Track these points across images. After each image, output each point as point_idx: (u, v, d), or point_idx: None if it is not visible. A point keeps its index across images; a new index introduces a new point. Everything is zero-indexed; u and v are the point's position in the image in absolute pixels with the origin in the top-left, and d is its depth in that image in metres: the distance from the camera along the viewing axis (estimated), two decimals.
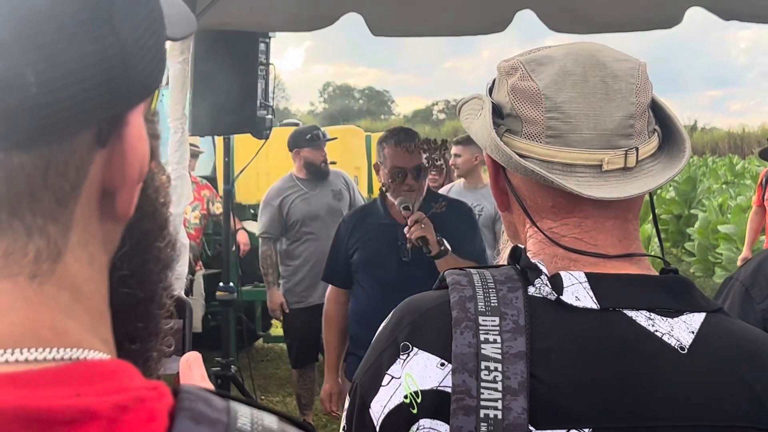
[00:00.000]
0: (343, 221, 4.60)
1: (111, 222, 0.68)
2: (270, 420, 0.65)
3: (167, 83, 4.91)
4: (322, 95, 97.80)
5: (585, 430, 1.14)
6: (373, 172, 9.47)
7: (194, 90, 5.08)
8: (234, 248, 7.87)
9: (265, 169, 8.02)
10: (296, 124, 7.63)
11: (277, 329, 8.60)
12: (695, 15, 5.01)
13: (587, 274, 1.23)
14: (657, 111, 1.33)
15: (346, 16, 4.95)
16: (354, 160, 8.66)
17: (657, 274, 1.30)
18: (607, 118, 1.24)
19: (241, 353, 7.68)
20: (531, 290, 1.23)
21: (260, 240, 6.39)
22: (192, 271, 7.42)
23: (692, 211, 16.98)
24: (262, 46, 5.29)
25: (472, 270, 1.28)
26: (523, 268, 1.26)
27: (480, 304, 1.21)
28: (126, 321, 0.71)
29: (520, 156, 1.26)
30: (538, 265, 1.24)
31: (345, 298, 4.47)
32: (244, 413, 0.63)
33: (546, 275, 1.23)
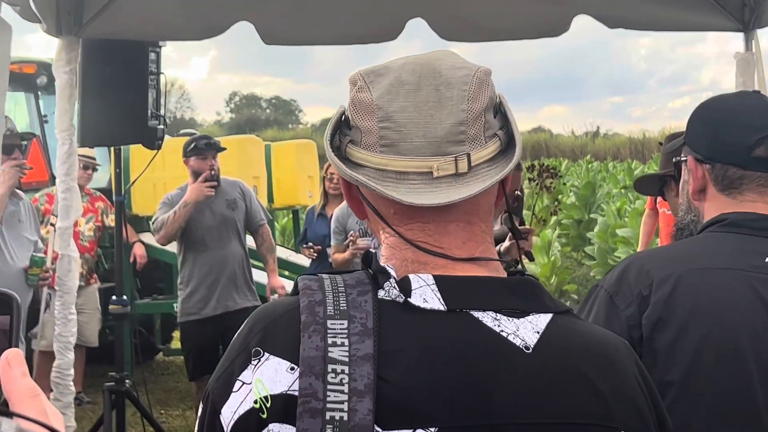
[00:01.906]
0: None
1: None
2: (7, 426, 0.63)
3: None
4: (229, 105, 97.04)
5: (431, 429, 1.15)
6: (274, 181, 9.57)
7: (82, 100, 4.99)
8: (132, 260, 7.77)
9: (162, 179, 7.92)
10: (193, 134, 7.52)
11: (177, 342, 8.49)
12: (583, 23, 5.12)
13: (435, 277, 1.25)
14: (503, 117, 1.34)
15: (237, 25, 4.93)
16: (252, 170, 8.61)
17: (505, 276, 1.32)
18: (438, 126, 1.26)
19: (140, 367, 7.57)
20: (381, 293, 1.24)
21: (153, 228, 6.26)
22: (85, 284, 7.28)
23: (592, 215, 17.32)
24: (152, 56, 5.23)
25: (324, 275, 1.29)
26: (374, 272, 1.27)
27: (329, 308, 1.21)
28: None
29: (360, 165, 1.29)
30: (387, 268, 1.26)
31: None
32: None
33: (395, 278, 1.24)
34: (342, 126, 1.34)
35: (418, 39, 5.17)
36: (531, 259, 4.95)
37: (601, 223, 15.14)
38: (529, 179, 4.78)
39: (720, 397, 1.81)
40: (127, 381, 5.40)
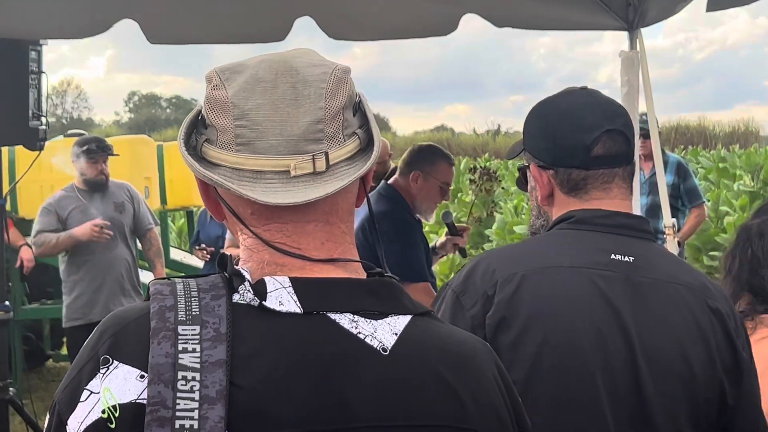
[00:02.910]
0: (407, 219, 4.54)
1: None
2: None
3: None
4: (128, 104, 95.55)
5: None
6: (167, 181, 9.43)
7: None
8: (18, 264, 7.56)
9: (49, 181, 7.73)
10: (82, 134, 7.36)
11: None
12: (471, 22, 5.14)
13: (291, 279, 1.24)
14: (362, 116, 1.33)
15: (120, 23, 4.82)
16: (144, 171, 8.47)
17: (364, 277, 1.31)
18: (294, 124, 1.24)
19: (31, 373, 7.38)
20: (235, 297, 1.22)
21: (34, 241, 6.10)
22: None
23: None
24: (33, 54, 5.08)
25: (177, 279, 1.26)
26: (229, 276, 1.25)
27: (180, 313, 1.19)
28: None
29: (216, 165, 1.26)
30: (242, 271, 1.24)
31: None
32: None
33: (249, 282, 1.23)
34: (198, 125, 1.31)
35: (315, 37, 5.13)
36: (464, 255, 5.00)
37: (499, 221, 15.31)
38: (470, 180, 4.87)
39: (562, 395, 1.84)
40: (11, 389, 5.24)
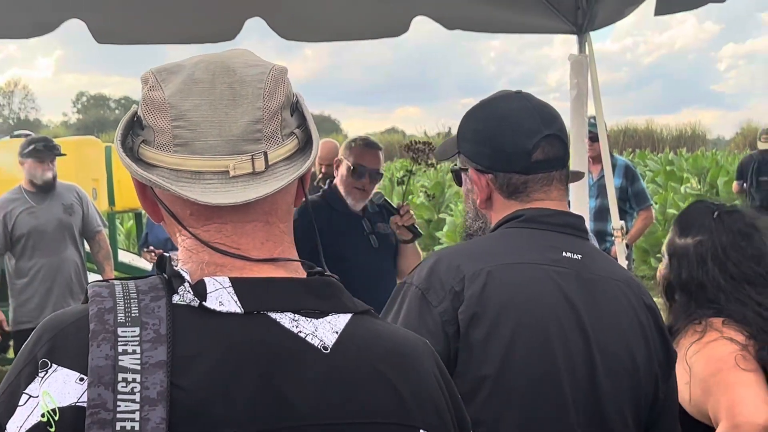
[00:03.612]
0: (305, 214, 4.40)
1: None
2: None
3: None
4: (76, 105, 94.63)
5: None
6: (115, 183, 9.34)
7: None
8: None
9: None
10: (28, 135, 7.26)
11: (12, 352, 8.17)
12: (421, 24, 5.15)
13: (231, 279, 1.24)
14: (300, 116, 1.34)
15: (67, 23, 4.76)
16: (92, 172, 8.37)
17: (304, 276, 1.31)
18: (233, 124, 1.24)
19: None
20: (175, 298, 1.22)
21: None
22: None
23: (441, 215, 17.53)
24: None
25: (115, 281, 1.25)
26: (168, 277, 1.24)
27: (120, 315, 1.18)
28: None
29: (153, 166, 1.26)
30: (182, 272, 1.24)
31: None
32: None
33: (189, 282, 1.22)
34: (134, 126, 1.30)
35: (266, 38, 5.12)
36: (418, 233, 4.77)
37: (450, 223, 15.35)
38: (413, 158, 4.81)
39: (531, 388, 1.87)
40: None
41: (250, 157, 1.24)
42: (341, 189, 4.58)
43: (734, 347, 2.41)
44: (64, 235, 5.96)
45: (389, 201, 4.80)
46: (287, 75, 1.32)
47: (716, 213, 2.62)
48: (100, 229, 6.26)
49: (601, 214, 7.06)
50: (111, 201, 9.13)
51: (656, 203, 15.24)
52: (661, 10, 4.72)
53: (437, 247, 15.95)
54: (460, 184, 2.17)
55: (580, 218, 2.10)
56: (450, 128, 54.96)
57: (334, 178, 8.10)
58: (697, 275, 2.55)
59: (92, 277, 6.32)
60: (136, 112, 1.31)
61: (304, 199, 1.39)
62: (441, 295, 1.89)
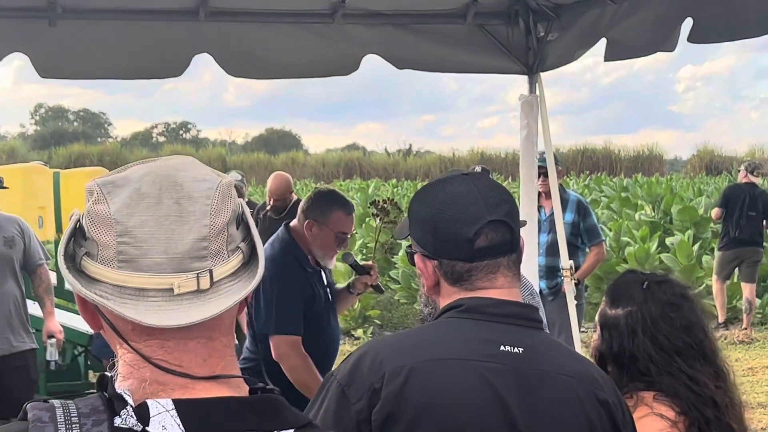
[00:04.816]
0: (290, 266, 4.43)
1: None
2: None
3: None
4: (34, 117, 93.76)
5: None
6: (63, 210, 9.21)
7: None
8: None
9: None
10: None
11: None
12: (372, 62, 5.14)
13: (174, 401, 1.22)
14: (245, 228, 1.34)
15: (10, 56, 4.69)
16: (38, 200, 8.27)
17: (246, 392, 1.30)
18: (179, 241, 1.23)
19: None
20: (117, 421, 1.19)
21: None
22: None
23: (398, 240, 17.50)
24: None
25: (56, 403, 1.23)
26: (110, 398, 1.22)
27: None
28: None
29: (96, 280, 1.24)
30: (124, 395, 1.21)
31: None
32: None
33: (131, 405, 1.20)
34: (77, 235, 1.28)
35: (213, 71, 5.08)
36: (380, 291, 4.97)
37: (406, 248, 15.30)
38: (373, 215, 4.86)
39: None
40: None
41: (195, 275, 1.23)
42: (315, 249, 4.46)
43: (664, 424, 2.39)
44: (4, 268, 5.81)
45: (357, 261, 4.86)
46: (233, 188, 1.32)
47: (645, 283, 2.59)
48: (42, 262, 6.13)
49: (553, 249, 7.05)
50: (59, 228, 8.99)
51: (611, 230, 15.34)
52: (610, 56, 4.77)
53: (392, 272, 15.93)
54: (414, 264, 2.10)
55: (530, 307, 2.03)
56: (410, 145, 55.14)
57: (285, 209, 8.06)
58: (628, 346, 2.53)
59: (32, 308, 6.19)
60: (79, 221, 1.28)
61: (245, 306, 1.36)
62: (360, 393, 1.82)
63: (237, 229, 1.30)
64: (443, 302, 2.00)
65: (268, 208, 8.13)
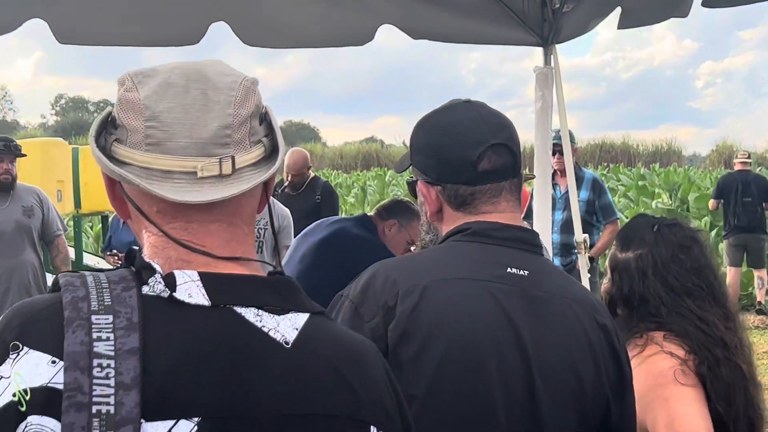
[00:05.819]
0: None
1: None
2: None
3: None
4: (54, 108, 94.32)
5: (194, 419, 1.21)
6: (81, 185, 9.25)
7: None
8: None
9: None
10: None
11: None
12: (387, 32, 5.14)
13: (200, 273, 1.29)
14: (269, 126, 1.41)
15: (29, 22, 4.71)
16: (56, 174, 8.32)
17: (265, 275, 1.37)
18: (204, 128, 1.31)
19: None
20: (145, 289, 1.27)
21: None
22: None
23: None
24: None
25: (86, 272, 1.31)
26: (138, 269, 1.30)
27: (93, 303, 1.24)
28: None
29: (125, 163, 1.31)
30: (152, 264, 1.29)
31: None
32: None
33: (160, 273, 1.28)
34: (108, 125, 1.36)
35: (231, 43, 5.10)
36: None
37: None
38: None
39: (462, 410, 1.81)
40: None
41: (218, 160, 1.31)
42: (390, 246, 4.57)
43: (674, 362, 2.40)
44: (23, 236, 5.89)
45: None
46: (258, 86, 1.39)
47: (656, 226, 2.61)
48: (59, 233, 6.20)
49: (567, 226, 7.06)
50: (77, 203, 9.06)
51: (627, 218, 15.29)
52: (624, 24, 4.75)
53: None
54: (416, 196, 2.13)
55: (532, 232, 2.05)
56: None
57: (303, 186, 8.10)
58: (639, 288, 2.55)
59: (50, 279, 6.26)
60: (111, 113, 1.36)
61: (267, 204, 1.45)
62: (374, 310, 1.84)
63: (260, 124, 1.38)
64: (446, 228, 2.02)
65: (286, 184, 8.11)
